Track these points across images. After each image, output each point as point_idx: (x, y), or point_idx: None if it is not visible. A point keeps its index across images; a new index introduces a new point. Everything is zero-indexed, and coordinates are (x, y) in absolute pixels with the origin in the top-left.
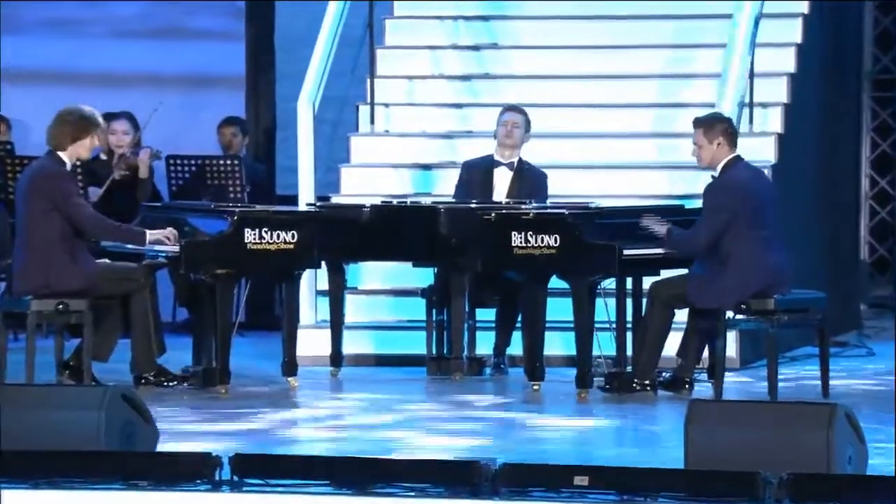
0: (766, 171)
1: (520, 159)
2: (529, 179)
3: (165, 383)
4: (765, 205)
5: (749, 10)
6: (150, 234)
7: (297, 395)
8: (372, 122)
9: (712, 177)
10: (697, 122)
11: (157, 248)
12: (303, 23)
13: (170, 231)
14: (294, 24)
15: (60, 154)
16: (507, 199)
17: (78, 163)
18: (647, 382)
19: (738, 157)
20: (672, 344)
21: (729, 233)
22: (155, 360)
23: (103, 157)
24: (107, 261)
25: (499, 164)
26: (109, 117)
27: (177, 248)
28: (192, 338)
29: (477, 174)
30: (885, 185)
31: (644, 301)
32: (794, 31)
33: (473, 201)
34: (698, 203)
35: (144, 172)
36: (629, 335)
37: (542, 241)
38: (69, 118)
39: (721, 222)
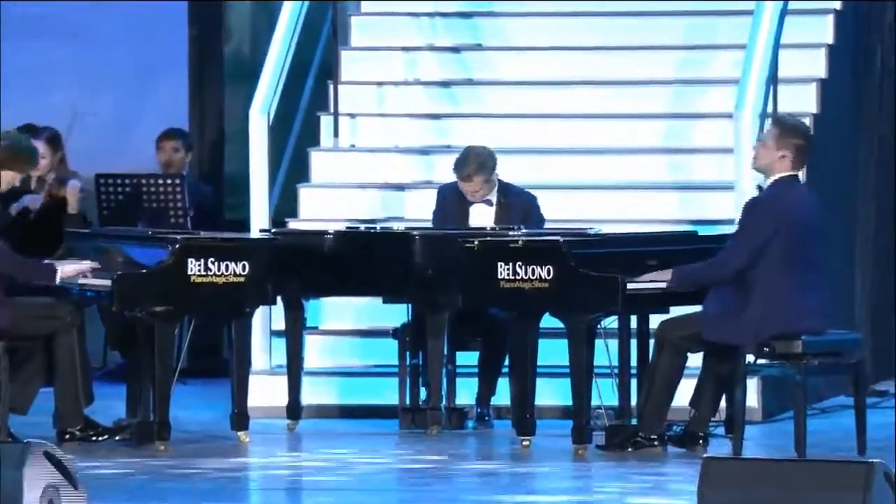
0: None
1: (499, 189)
2: (515, 205)
3: (94, 438)
4: (810, 238)
5: (772, 7)
6: (63, 270)
7: (248, 451)
8: (335, 134)
9: (758, 188)
10: (777, 122)
11: (81, 281)
12: (256, 20)
13: (87, 265)
14: (246, 20)
15: None
16: (493, 226)
17: None
18: (653, 437)
19: (796, 178)
20: (684, 392)
21: (762, 261)
22: (82, 412)
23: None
24: (28, 298)
25: (473, 202)
26: (26, 131)
27: (107, 283)
28: (126, 386)
29: (451, 202)
30: None
31: (651, 343)
32: (824, 31)
33: (452, 227)
34: (714, 229)
35: (73, 208)
36: (634, 382)
37: (533, 272)
38: None
39: (758, 245)
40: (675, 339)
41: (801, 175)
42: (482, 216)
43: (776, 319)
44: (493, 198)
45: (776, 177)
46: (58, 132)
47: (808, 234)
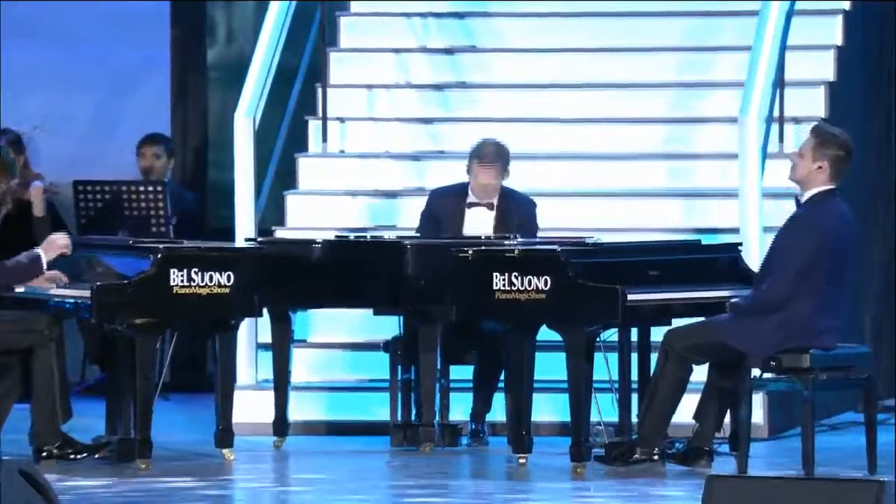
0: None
1: (501, 192)
2: (515, 212)
3: (72, 456)
4: (845, 260)
5: (779, 7)
6: (47, 253)
7: (232, 470)
8: (324, 139)
9: (797, 201)
10: (815, 131)
11: (60, 292)
12: (241, 20)
13: (55, 274)
14: (230, 21)
15: None
16: (487, 235)
17: None
18: (653, 452)
19: (834, 192)
20: (687, 407)
21: (797, 279)
22: (59, 429)
23: None
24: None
25: (473, 203)
26: None
27: (86, 294)
28: (106, 401)
29: (446, 207)
30: None
31: (654, 355)
32: (832, 32)
33: (445, 236)
34: (718, 238)
35: (40, 210)
36: (634, 398)
37: (530, 283)
38: None
39: (803, 268)
40: (679, 349)
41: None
42: (480, 221)
43: (793, 338)
44: (495, 201)
45: (813, 191)
46: (20, 135)
47: (844, 256)
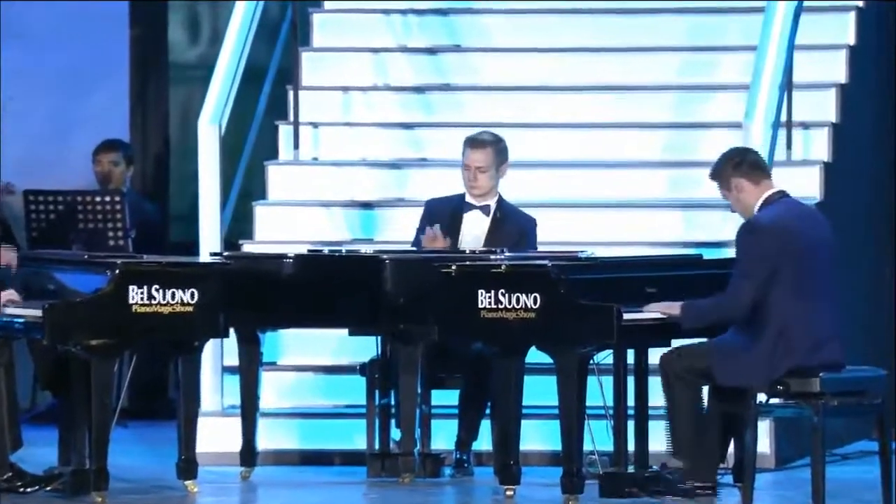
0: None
1: (499, 201)
2: (512, 228)
3: (21, 488)
4: (816, 254)
5: (786, 5)
6: None
7: (196, 503)
8: (296, 146)
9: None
10: (710, 176)
11: (9, 311)
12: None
13: (9, 294)
14: (194, 20)
15: None
16: (472, 249)
17: None
18: (706, 485)
19: (781, 193)
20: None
21: (774, 290)
22: (8, 459)
23: None
24: None
25: (470, 206)
26: None
27: (37, 313)
28: (59, 429)
29: (441, 218)
30: None
31: (652, 379)
32: (844, 31)
33: (430, 249)
34: (721, 252)
35: None
36: (631, 424)
37: (518, 301)
38: None
39: (765, 275)
40: (679, 370)
41: (817, 190)
42: (476, 226)
43: (791, 352)
44: (493, 203)
45: (758, 205)
46: None
47: (819, 251)
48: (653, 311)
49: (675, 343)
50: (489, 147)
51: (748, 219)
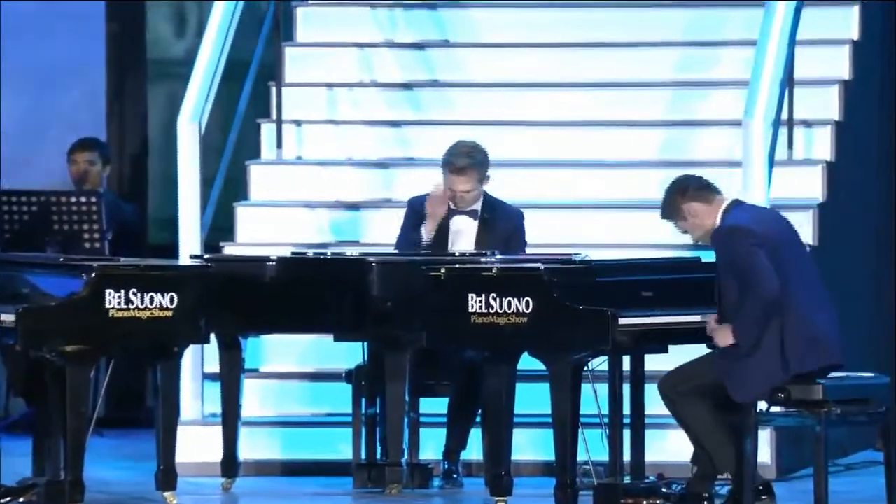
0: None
1: (484, 200)
2: (502, 227)
3: None
4: (794, 251)
5: None
6: None
7: None
8: (279, 145)
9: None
10: (662, 216)
11: None
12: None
13: None
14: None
15: None
16: (462, 252)
17: None
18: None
19: (736, 201)
20: (684, 445)
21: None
22: None
23: None
24: None
25: (456, 212)
26: None
27: (10, 318)
28: (33, 439)
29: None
30: None
31: (648, 386)
32: (848, 25)
33: (417, 251)
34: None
35: None
36: (626, 434)
37: (510, 305)
38: None
39: (765, 255)
40: (683, 391)
41: (819, 191)
42: (463, 231)
43: (796, 349)
44: (478, 209)
45: (718, 218)
46: None
47: (792, 247)
48: (719, 344)
49: (673, 350)
50: (469, 171)
51: (717, 228)
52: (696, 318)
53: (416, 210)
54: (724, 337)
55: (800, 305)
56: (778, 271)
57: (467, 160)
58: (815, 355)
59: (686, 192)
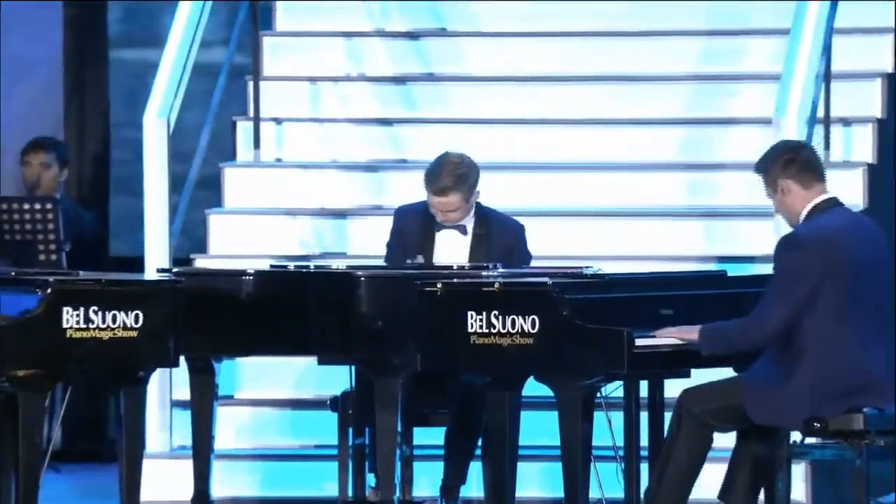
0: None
1: (476, 214)
2: (499, 239)
3: None
4: (865, 274)
5: None
6: None
7: None
8: (256, 145)
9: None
10: (756, 170)
11: None
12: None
13: None
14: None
15: None
16: (461, 265)
17: None
18: None
19: (833, 201)
20: (711, 480)
21: (810, 315)
22: None
23: None
24: None
25: (442, 226)
26: None
27: None
28: None
29: (413, 228)
30: None
31: (668, 415)
32: (890, 12)
33: (410, 265)
34: (748, 268)
35: None
36: (644, 467)
37: (514, 324)
38: None
39: (799, 296)
40: (698, 412)
41: (860, 195)
42: (453, 249)
43: (832, 388)
44: (470, 225)
45: (804, 212)
46: None
47: (870, 271)
48: (668, 337)
49: (696, 374)
50: (452, 192)
51: (788, 232)
52: None
53: (398, 223)
54: (687, 333)
55: (854, 341)
56: (845, 295)
57: (450, 180)
58: (862, 391)
59: (789, 167)
